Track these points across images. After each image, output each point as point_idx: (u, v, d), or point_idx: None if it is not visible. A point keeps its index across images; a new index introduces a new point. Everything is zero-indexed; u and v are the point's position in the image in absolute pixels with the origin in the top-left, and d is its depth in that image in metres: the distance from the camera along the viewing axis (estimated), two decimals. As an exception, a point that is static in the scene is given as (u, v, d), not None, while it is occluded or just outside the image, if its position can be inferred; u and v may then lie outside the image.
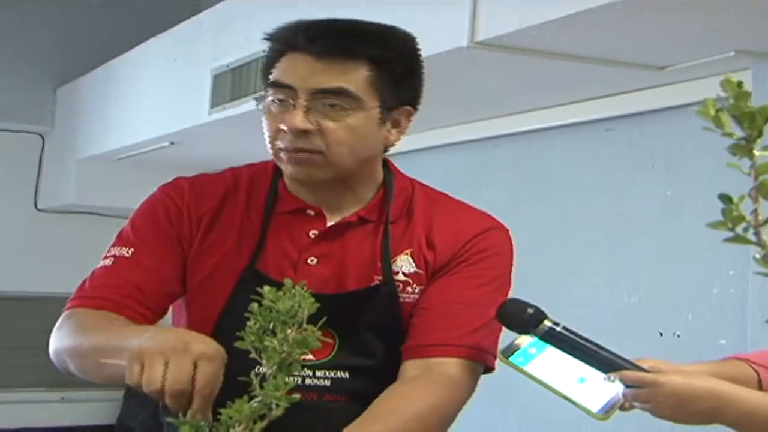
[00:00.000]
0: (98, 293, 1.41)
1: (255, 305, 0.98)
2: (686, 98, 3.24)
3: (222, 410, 0.93)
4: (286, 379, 0.94)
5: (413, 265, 1.44)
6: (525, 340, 1.31)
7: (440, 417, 1.38)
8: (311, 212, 1.43)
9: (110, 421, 8.05)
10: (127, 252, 1.42)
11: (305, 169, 1.36)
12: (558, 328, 1.30)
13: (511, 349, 1.30)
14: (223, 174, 1.50)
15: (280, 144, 1.36)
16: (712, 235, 0.80)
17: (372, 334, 1.41)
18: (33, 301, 7.65)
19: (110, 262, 1.43)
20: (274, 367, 0.96)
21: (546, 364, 1.28)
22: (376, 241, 1.43)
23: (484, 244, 1.46)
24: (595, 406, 1.25)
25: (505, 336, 1.38)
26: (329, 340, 1.37)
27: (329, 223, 1.43)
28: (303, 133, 1.32)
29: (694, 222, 3.37)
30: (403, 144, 1.46)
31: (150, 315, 1.40)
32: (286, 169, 1.38)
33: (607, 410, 1.26)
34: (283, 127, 1.34)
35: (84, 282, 1.44)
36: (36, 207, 7.65)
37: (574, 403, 1.25)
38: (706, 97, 0.78)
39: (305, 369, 1.37)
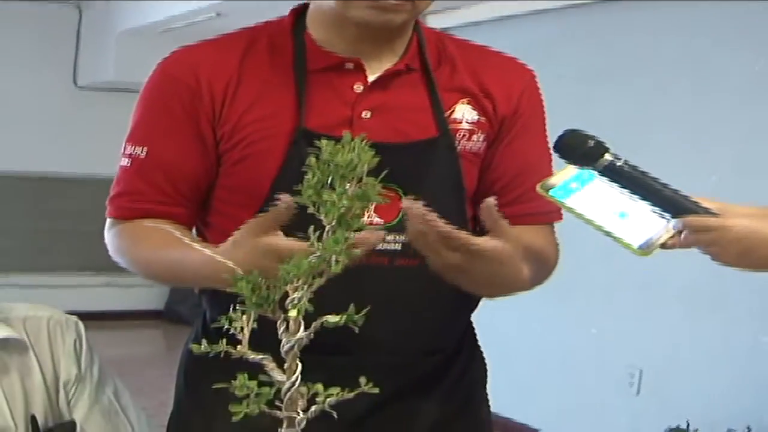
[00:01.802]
0: (129, 203, 1.45)
1: (312, 158, 0.99)
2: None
3: (280, 266, 0.96)
4: (348, 234, 0.95)
5: (475, 112, 1.46)
6: (566, 174, 1.31)
7: (549, 266, 1.50)
8: (350, 65, 1.42)
9: (158, 307, 8.32)
10: (141, 151, 1.43)
11: (391, 15, 1.36)
12: (620, 163, 1.30)
13: (551, 184, 1.31)
14: (232, 36, 1.47)
15: None
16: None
17: (437, 191, 1.43)
18: (73, 183, 7.81)
19: (128, 163, 1.45)
20: (333, 222, 0.97)
21: (586, 199, 1.30)
22: (424, 91, 1.44)
23: (536, 95, 1.54)
24: (636, 242, 1.27)
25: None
26: (393, 196, 1.38)
27: (370, 76, 1.43)
28: None
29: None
30: (462, 16, 1.47)
31: (186, 212, 1.45)
32: (363, 13, 1.36)
33: (649, 246, 1.27)
34: None
35: (115, 181, 1.48)
36: (75, 84, 7.72)
37: (613, 237, 1.26)
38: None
39: None
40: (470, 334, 1.57)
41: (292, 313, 0.94)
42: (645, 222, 1.29)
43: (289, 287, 0.96)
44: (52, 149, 7.61)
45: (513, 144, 1.50)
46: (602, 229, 1.27)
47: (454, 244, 1.27)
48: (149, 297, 8.09)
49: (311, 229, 0.98)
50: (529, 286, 1.41)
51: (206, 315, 1.52)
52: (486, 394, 1.59)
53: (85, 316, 1.53)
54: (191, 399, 1.51)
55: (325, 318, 0.97)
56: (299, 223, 1.03)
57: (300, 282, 0.96)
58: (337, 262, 0.97)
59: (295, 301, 0.95)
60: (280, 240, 1.20)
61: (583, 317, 4.76)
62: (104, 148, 5.28)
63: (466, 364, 1.54)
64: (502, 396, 1.61)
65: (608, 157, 1.30)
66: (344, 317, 0.97)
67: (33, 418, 1.42)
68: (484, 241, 1.29)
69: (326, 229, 0.98)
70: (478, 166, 1.49)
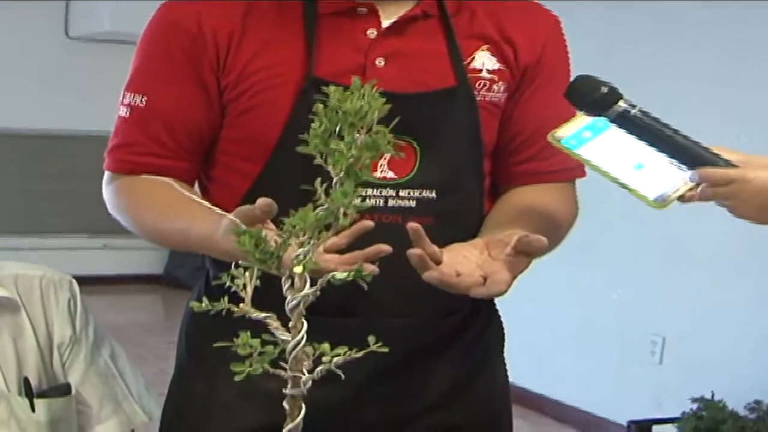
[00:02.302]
0: (128, 156, 1.45)
1: (320, 105, 0.98)
2: None
3: (285, 219, 0.95)
4: (360, 191, 0.95)
5: (495, 61, 1.45)
6: (579, 123, 1.31)
7: (563, 231, 1.50)
8: (363, 9, 1.41)
9: (157, 271, 8.35)
10: (141, 100, 1.43)
11: None
12: (634, 111, 1.29)
13: (563, 133, 1.30)
14: None
15: None
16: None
17: (455, 144, 1.43)
18: (67, 140, 7.81)
19: (126, 113, 1.45)
20: (341, 173, 0.97)
21: (600, 149, 1.29)
22: (442, 38, 1.43)
23: (561, 43, 1.53)
24: (651, 194, 1.26)
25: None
26: (407, 149, 1.38)
27: (384, 21, 1.42)
28: None
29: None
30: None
31: (188, 166, 1.45)
32: None
33: (665, 199, 1.26)
34: None
35: (114, 132, 1.48)
36: (67, 35, 7.68)
37: (628, 188, 1.26)
38: None
39: (388, 189, 1.40)
40: None
41: (298, 269, 0.94)
42: (662, 174, 1.29)
43: (294, 242, 0.96)
44: (43, 105, 7.59)
45: (535, 95, 1.49)
46: (616, 180, 1.26)
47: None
48: (148, 261, 8.11)
49: (318, 180, 0.98)
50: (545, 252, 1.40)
51: (209, 274, 1.52)
52: (503, 357, 1.60)
53: (80, 281, 1.53)
54: (193, 362, 1.52)
55: (332, 274, 0.96)
56: (306, 175, 1.03)
57: (306, 236, 0.96)
58: (345, 215, 0.96)
59: (301, 257, 0.95)
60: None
61: (604, 281, 4.76)
62: (100, 104, 5.27)
63: (483, 325, 1.55)
64: (517, 365, 1.62)
65: (622, 104, 1.29)
66: (352, 273, 0.97)
67: (26, 381, 1.42)
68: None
69: (334, 180, 0.98)
70: (498, 118, 1.48)
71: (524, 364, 2.09)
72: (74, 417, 1.48)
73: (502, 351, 1.60)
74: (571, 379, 4.93)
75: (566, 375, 4.96)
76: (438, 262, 1.26)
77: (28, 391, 1.42)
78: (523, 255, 1.28)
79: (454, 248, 1.31)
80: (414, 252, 1.23)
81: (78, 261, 7.19)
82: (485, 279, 1.27)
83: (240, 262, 0.97)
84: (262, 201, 1.17)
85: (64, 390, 1.46)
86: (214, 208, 1.36)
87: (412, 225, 1.25)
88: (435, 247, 1.27)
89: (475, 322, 1.53)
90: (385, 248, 1.22)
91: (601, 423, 4.75)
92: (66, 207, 7.87)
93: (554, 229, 1.46)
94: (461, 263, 1.29)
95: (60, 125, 7.72)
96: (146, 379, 1.60)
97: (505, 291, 1.27)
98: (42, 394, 1.43)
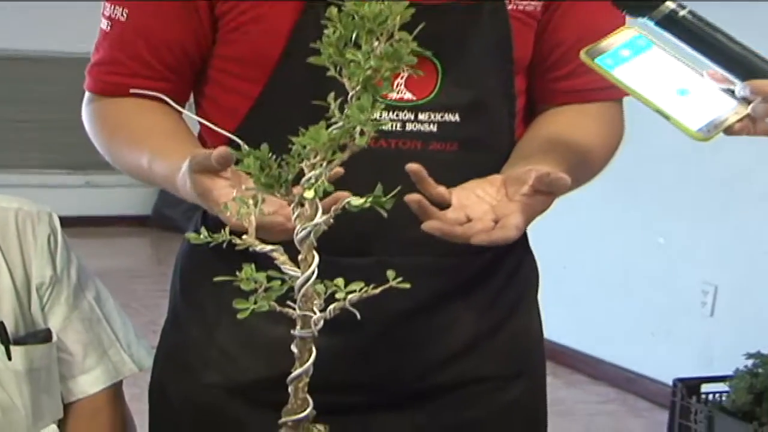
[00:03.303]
0: (108, 76, 1.46)
1: (333, 10, 0.97)
2: None
3: (294, 138, 0.94)
4: (379, 116, 0.95)
5: None
6: (617, 40, 1.29)
7: (600, 161, 1.50)
8: None
9: (145, 212, 8.38)
10: (121, 13, 1.43)
11: None
12: (683, 12, 1.27)
13: (598, 50, 1.29)
14: None
15: None
16: None
17: (482, 61, 1.41)
18: (44, 62, 7.80)
19: (107, 26, 1.45)
20: (358, 87, 0.96)
21: (639, 70, 1.27)
22: None
23: None
24: (695, 124, 1.24)
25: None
26: (429, 65, 1.36)
27: None
28: None
29: None
30: None
31: (173, 87, 1.43)
32: None
33: (710, 129, 1.24)
34: None
35: (95, 46, 1.48)
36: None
37: (668, 117, 1.24)
38: None
39: (405, 111, 1.39)
40: None
41: (309, 194, 0.94)
42: (709, 101, 1.27)
43: (305, 164, 0.95)
44: (15, 22, 7.56)
45: (575, 4, 1.48)
46: (655, 107, 1.25)
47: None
48: (135, 200, 8.14)
49: (332, 95, 0.97)
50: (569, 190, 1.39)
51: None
52: (537, 303, 1.60)
53: (60, 222, 1.53)
54: (188, 306, 1.53)
55: (347, 199, 0.96)
56: (313, 94, 1.02)
57: (318, 158, 0.95)
58: (362, 134, 0.96)
59: (312, 180, 0.94)
60: (214, 185, 1.21)
61: (649, 224, 4.76)
62: (80, 20, 5.24)
63: (516, 266, 1.54)
64: (547, 315, 1.61)
65: (670, 4, 1.27)
66: (369, 199, 0.96)
67: (2, 326, 1.43)
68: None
69: (349, 95, 0.97)
70: (533, 29, 1.46)
71: (555, 315, 2.09)
72: (55, 366, 1.49)
73: (536, 295, 1.60)
74: (608, 332, 4.96)
75: (603, 328, 4.99)
76: (446, 205, 1.25)
77: (3, 337, 1.43)
78: (543, 194, 1.27)
79: (468, 186, 1.31)
80: (412, 198, 1.22)
81: (57, 200, 7.17)
82: (496, 224, 1.26)
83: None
84: (219, 151, 1.16)
85: (44, 336, 1.47)
86: (186, 143, 1.37)
87: (412, 166, 1.24)
88: (441, 189, 1.26)
89: (506, 262, 1.52)
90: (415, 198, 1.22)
91: (642, 381, 4.78)
92: (42, 139, 7.88)
93: (587, 162, 1.45)
94: (473, 205, 1.28)
95: (33, 45, 7.70)
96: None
97: (514, 237, 1.26)
98: (19, 341, 1.44)
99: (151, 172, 1.38)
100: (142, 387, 1.55)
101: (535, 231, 1.51)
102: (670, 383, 4.09)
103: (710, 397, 4.04)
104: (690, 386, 4.02)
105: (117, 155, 1.47)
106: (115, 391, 1.57)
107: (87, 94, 1.51)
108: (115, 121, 1.47)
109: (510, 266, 1.53)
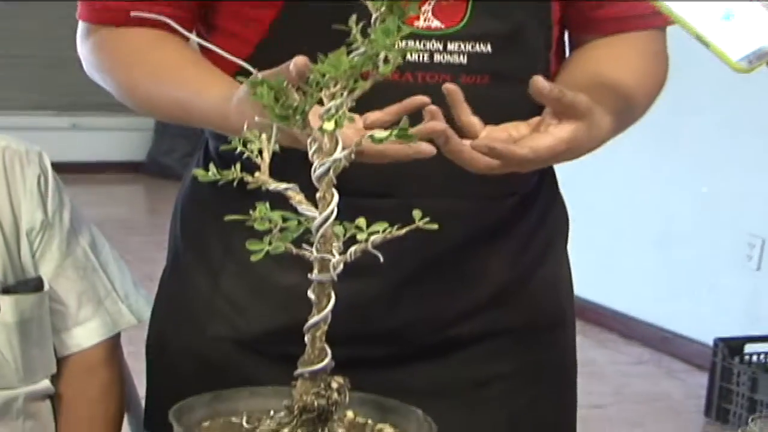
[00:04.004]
0: (108, 1, 1.44)
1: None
2: None
3: (313, 66, 0.94)
4: (402, 44, 0.94)
5: None
6: None
7: (651, 98, 1.50)
8: None
9: (139, 158, 8.38)
10: None
11: None
12: None
13: None
14: None
15: None
16: None
17: None
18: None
19: None
20: (383, 8, 0.95)
21: None
22: None
23: None
24: (736, 53, 1.23)
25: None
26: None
27: None
28: None
29: None
30: None
31: (181, 13, 1.41)
32: None
33: (752, 60, 1.23)
34: None
35: None
36: None
37: (708, 44, 1.23)
38: None
39: (433, 41, 1.38)
40: (550, 175, 1.57)
41: (328, 126, 0.93)
42: (754, 29, 1.26)
43: (324, 94, 0.95)
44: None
45: None
46: (696, 34, 1.24)
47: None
48: (127, 144, 8.13)
49: (353, 18, 0.97)
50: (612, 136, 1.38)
51: (208, 144, 1.52)
52: (566, 251, 1.61)
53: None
54: (191, 252, 1.53)
55: (371, 133, 0.96)
56: (337, 12, 1.01)
57: (338, 87, 0.95)
58: (386, 61, 0.95)
59: (332, 111, 0.94)
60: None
61: (691, 172, 4.75)
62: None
63: (545, 210, 1.55)
64: (576, 269, 1.61)
65: None
66: (395, 132, 0.96)
67: (-11, 274, 1.44)
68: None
69: (373, 17, 0.97)
70: None
71: (585, 269, 2.08)
72: (47, 317, 1.50)
73: (566, 243, 1.61)
74: (642, 288, 4.96)
75: (637, 283, 4.99)
76: (474, 136, 1.25)
77: (-9, 286, 1.44)
78: (571, 120, 1.26)
79: (502, 126, 1.30)
80: (435, 127, 1.20)
81: (41, 144, 7.21)
82: None
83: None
84: (300, 59, 1.11)
85: (35, 285, 1.48)
86: (219, 72, 1.35)
87: (449, 86, 1.23)
88: (475, 119, 1.25)
89: (534, 206, 1.53)
90: (440, 127, 1.20)
91: (680, 341, 4.79)
92: (25, 77, 7.87)
93: (632, 106, 1.44)
94: (500, 141, 1.27)
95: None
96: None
97: (526, 157, 1.23)
98: (8, 290, 1.45)
99: (190, 104, 1.36)
100: (138, 345, 1.56)
101: (566, 178, 1.51)
102: (710, 343, 4.11)
103: (754, 358, 4.06)
104: (732, 346, 4.03)
105: (137, 93, 1.45)
106: (113, 345, 1.58)
107: (81, 24, 1.48)
108: (128, 52, 1.45)
109: (539, 211, 1.54)
